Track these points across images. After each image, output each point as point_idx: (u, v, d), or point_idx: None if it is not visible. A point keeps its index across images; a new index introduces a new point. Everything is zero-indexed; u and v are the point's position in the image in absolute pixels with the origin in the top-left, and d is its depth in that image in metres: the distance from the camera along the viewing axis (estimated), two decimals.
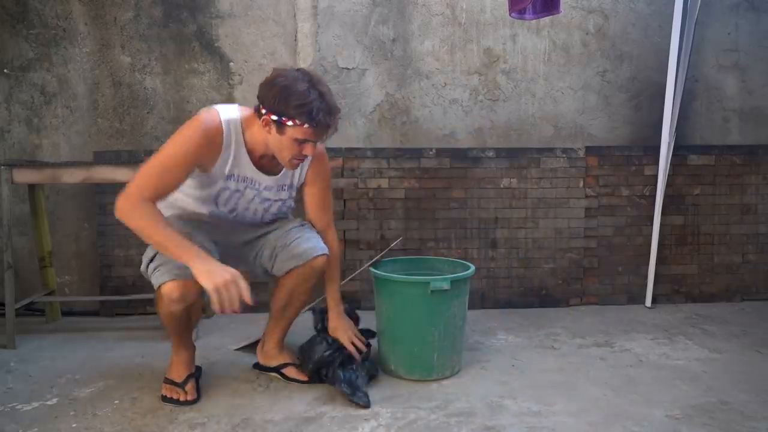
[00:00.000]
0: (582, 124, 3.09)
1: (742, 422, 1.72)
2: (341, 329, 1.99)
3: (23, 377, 2.09)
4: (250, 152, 1.79)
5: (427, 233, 3.00)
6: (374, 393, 1.93)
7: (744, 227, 3.12)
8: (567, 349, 2.39)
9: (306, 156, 1.75)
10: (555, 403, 1.85)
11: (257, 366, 2.14)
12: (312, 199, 2.00)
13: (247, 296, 1.58)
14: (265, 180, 1.85)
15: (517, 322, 2.77)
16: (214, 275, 1.54)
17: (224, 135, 1.72)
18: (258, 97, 1.71)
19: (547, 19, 2.98)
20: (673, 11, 2.84)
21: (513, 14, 2.47)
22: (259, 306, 2.94)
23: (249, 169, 1.81)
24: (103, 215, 2.84)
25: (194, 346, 1.99)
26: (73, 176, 2.45)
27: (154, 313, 2.84)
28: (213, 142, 1.70)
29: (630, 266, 3.08)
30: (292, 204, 2.02)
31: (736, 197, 3.11)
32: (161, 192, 1.64)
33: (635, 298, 3.08)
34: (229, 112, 1.75)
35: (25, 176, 2.45)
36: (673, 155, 2.94)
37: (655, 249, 2.99)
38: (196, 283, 1.58)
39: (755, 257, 3.13)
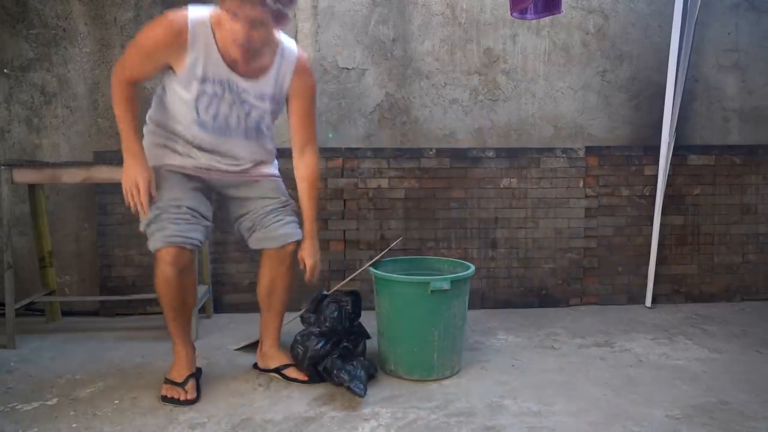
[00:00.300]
0: (582, 124, 3.09)
1: (742, 422, 1.72)
2: (309, 250, 2.02)
3: (23, 377, 2.09)
4: (222, 53, 1.77)
5: (427, 233, 3.00)
6: (374, 393, 1.93)
7: (744, 227, 3.12)
8: (567, 349, 2.38)
9: (240, 38, 1.68)
10: (555, 403, 1.85)
11: (257, 367, 2.15)
12: (294, 113, 1.98)
13: (145, 201, 1.77)
14: (243, 83, 1.83)
15: (517, 322, 2.76)
16: (127, 176, 1.77)
17: (189, 33, 1.72)
18: None
19: (547, 19, 2.98)
20: (673, 11, 2.84)
21: (514, 14, 2.47)
22: (259, 306, 2.95)
23: (223, 71, 1.79)
24: (103, 215, 2.84)
25: (194, 347, 2.00)
26: (73, 176, 2.45)
27: (154, 313, 2.86)
28: (176, 41, 1.72)
29: (630, 266, 3.08)
30: (274, 117, 1.99)
31: (736, 197, 3.11)
32: (136, 77, 1.78)
33: (635, 298, 3.08)
34: (198, 12, 1.75)
35: (25, 176, 2.45)
36: (673, 155, 2.95)
37: (655, 249, 2.99)
38: (183, 248, 1.77)
39: (755, 257, 3.13)
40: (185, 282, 1.85)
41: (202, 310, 2.83)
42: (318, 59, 2.97)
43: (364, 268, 2.30)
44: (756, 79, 3.14)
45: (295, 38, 2.95)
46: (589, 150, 3.05)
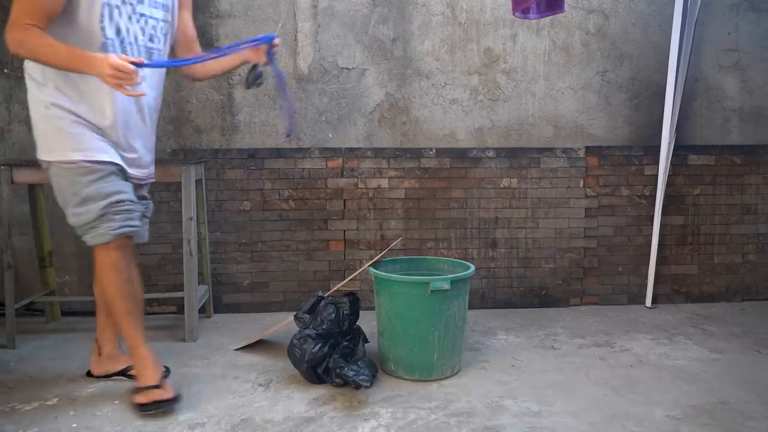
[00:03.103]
0: (582, 124, 3.09)
1: (743, 422, 1.72)
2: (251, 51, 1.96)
3: (23, 377, 2.09)
4: None
5: (427, 233, 3.00)
6: (374, 393, 1.93)
7: (744, 227, 3.12)
8: (567, 349, 2.38)
9: None
10: (555, 403, 1.85)
11: (90, 375, 2.08)
12: (184, 22, 2.03)
13: (129, 68, 1.63)
14: None
15: (517, 322, 2.76)
16: (103, 74, 1.62)
17: None
18: None
19: (547, 19, 2.98)
20: (673, 11, 2.84)
21: (516, 13, 2.46)
22: (258, 306, 2.95)
23: None
24: None
25: (150, 347, 1.90)
26: None
27: (154, 313, 2.86)
28: None
29: (630, 266, 3.08)
30: (168, 35, 1.98)
31: (736, 197, 3.11)
32: (44, 11, 1.65)
33: (635, 298, 3.08)
34: None
35: (25, 176, 2.45)
36: (673, 155, 2.94)
37: (655, 249, 2.99)
38: (129, 236, 1.83)
39: (755, 257, 3.13)
40: (131, 269, 1.86)
41: (202, 310, 2.83)
42: (318, 59, 2.97)
43: (364, 268, 2.30)
44: (756, 79, 3.14)
45: (295, 38, 2.95)
46: (589, 150, 3.05)
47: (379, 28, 2.98)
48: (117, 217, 1.79)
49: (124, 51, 1.81)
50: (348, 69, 2.99)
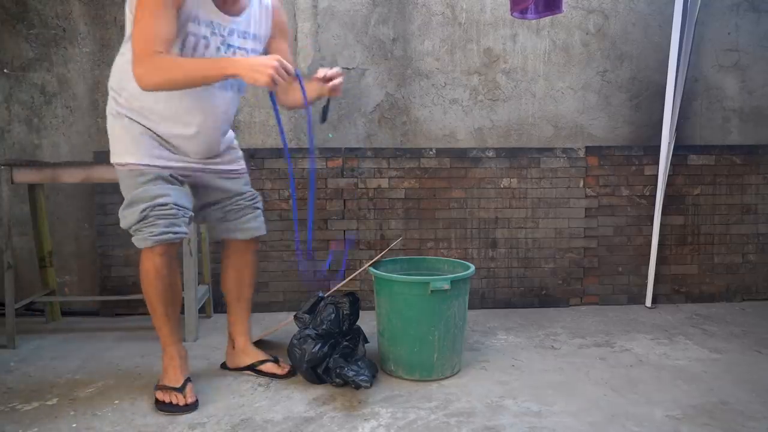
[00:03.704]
0: (582, 124, 3.09)
1: (743, 422, 1.71)
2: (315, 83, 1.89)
3: (23, 377, 2.09)
4: None
5: (427, 233, 3.00)
6: (374, 393, 1.93)
7: (744, 227, 3.12)
8: (567, 349, 2.38)
9: None
10: (555, 403, 1.85)
11: (225, 367, 2.15)
12: (278, 52, 1.97)
13: (290, 68, 1.67)
14: (229, 23, 1.80)
15: (517, 322, 2.76)
16: (256, 70, 1.60)
17: None
18: None
19: (547, 19, 2.98)
20: (673, 11, 2.84)
21: (515, 14, 2.47)
22: (258, 306, 2.95)
23: (211, 11, 1.76)
24: (103, 215, 2.85)
25: (185, 349, 1.95)
26: (73, 176, 2.45)
27: None
28: None
29: (630, 266, 3.08)
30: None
31: (736, 197, 3.11)
32: (164, 38, 1.62)
33: (635, 298, 3.08)
34: None
35: (25, 176, 2.45)
36: (673, 155, 2.94)
37: (655, 249, 2.99)
38: (174, 243, 1.80)
39: (755, 257, 3.13)
40: (173, 275, 1.86)
41: (202, 310, 2.83)
42: (318, 59, 2.97)
43: (364, 268, 2.30)
44: (756, 79, 3.14)
45: (295, 38, 2.95)
46: (589, 150, 3.05)
47: (379, 28, 2.98)
48: (160, 222, 1.77)
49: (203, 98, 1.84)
50: (348, 69, 2.99)
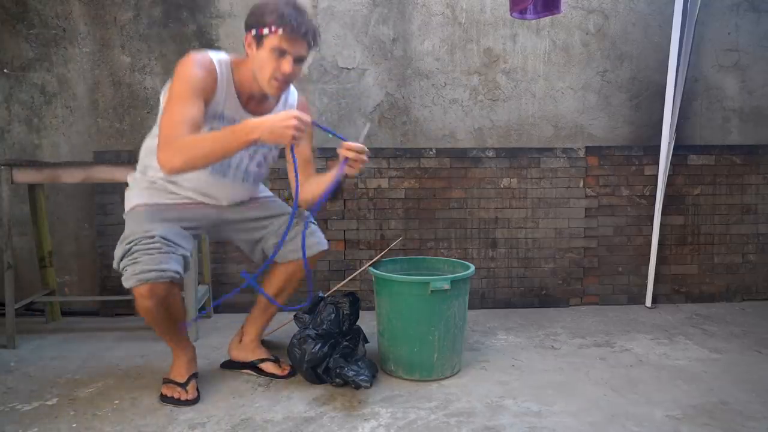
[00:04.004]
0: (582, 124, 3.09)
1: (743, 422, 1.71)
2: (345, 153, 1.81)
3: (23, 377, 2.09)
4: (239, 93, 1.81)
5: (427, 233, 3.00)
6: (374, 393, 1.93)
7: (744, 227, 3.12)
8: (567, 349, 2.38)
9: (285, 74, 1.71)
10: (555, 403, 1.85)
11: (228, 364, 2.16)
12: (300, 153, 1.97)
13: (307, 118, 1.61)
14: None
15: (517, 322, 2.76)
16: (276, 132, 1.56)
17: (217, 71, 1.73)
18: (244, 27, 1.74)
19: (547, 19, 2.98)
20: (673, 11, 2.84)
21: (514, 14, 2.47)
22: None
23: (237, 110, 1.80)
24: (103, 215, 2.85)
25: (194, 347, 1.99)
26: (73, 176, 2.45)
27: None
28: (209, 74, 1.71)
29: (630, 266, 3.08)
30: (275, 158, 2.02)
31: (736, 197, 3.11)
32: (190, 124, 1.62)
33: (635, 298, 3.08)
34: (219, 54, 1.78)
35: (25, 176, 2.45)
36: (673, 155, 2.94)
37: (655, 249, 2.99)
38: (159, 283, 1.66)
39: (755, 257, 3.13)
40: (169, 309, 1.77)
41: (202, 308, 2.83)
42: (318, 59, 2.97)
43: (364, 268, 2.30)
44: (756, 79, 3.14)
45: None
46: (589, 150, 3.05)
47: (379, 28, 2.98)
48: (144, 258, 1.66)
49: (224, 175, 1.87)
50: (348, 69, 2.99)
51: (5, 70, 2.89)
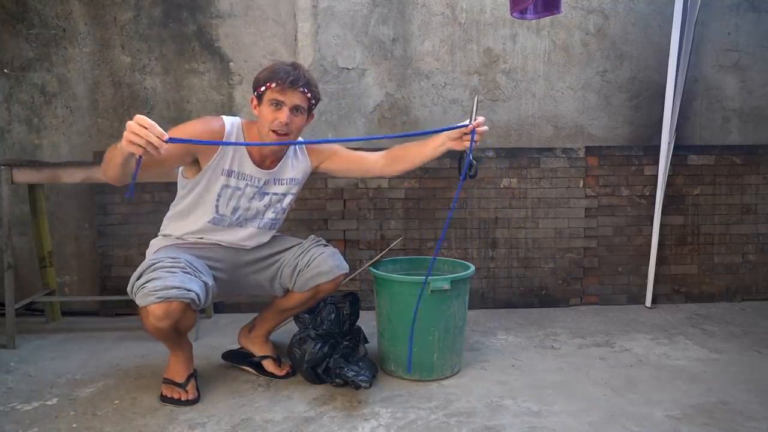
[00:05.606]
0: (582, 124, 3.09)
1: (742, 422, 1.72)
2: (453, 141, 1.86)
3: (23, 377, 2.09)
4: (250, 152, 1.90)
5: (427, 233, 3.00)
6: (374, 393, 1.93)
7: (744, 227, 3.12)
8: (567, 349, 2.38)
9: (281, 122, 1.79)
10: (555, 403, 1.85)
11: (228, 355, 2.18)
12: (342, 163, 2.07)
13: (150, 122, 1.49)
14: (264, 175, 1.93)
15: (517, 322, 2.77)
16: (129, 138, 1.46)
17: (226, 131, 1.84)
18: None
19: (547, 19, 2.98)
20: (673, 11, 2.84)
21: (514, 14, 2.46)
22: (259, 306, 2.95)
23: (249, 167, 1.90)
24: (103, 215, 2.85)
25: (191, 345, 1.97)
26: (73, 176, 2.45)
27: None
28: (211, 134, 1.80)
29: (630, 266, 3.08)
30: (290, 203, 2.04)
31: (736, 197, 3.11)
32: (166, 164, 1.74)
33: (635, 298, 3.08)
34: (232, 117, 1.91)
35: (25, 176, 2.45)
36: (673, 155, 2.94)
37: (655, 249, 2.99)
38: (180, 302, 1.65)
39: (755, 257, 3.13)
40: (179, 330, 1.79)
41: (202, 310, 2.83)
42: (318, 59, 2.97)
43: (364, 268, 2.30)
44: (756, 79, 3.14)
45: (295, 38, 2.95)
46: (589, 150, 3.05)
47: (379, 28, 2.98)
48: (166, 275, 1.66)
49: (239, 224, 1.94)
50: (348, 69, 2.99)
51: (5, 70, 2.89)
